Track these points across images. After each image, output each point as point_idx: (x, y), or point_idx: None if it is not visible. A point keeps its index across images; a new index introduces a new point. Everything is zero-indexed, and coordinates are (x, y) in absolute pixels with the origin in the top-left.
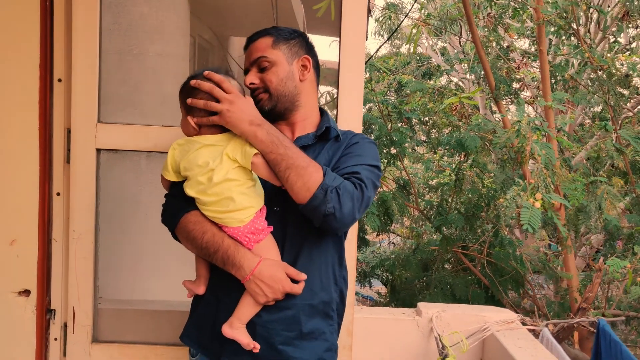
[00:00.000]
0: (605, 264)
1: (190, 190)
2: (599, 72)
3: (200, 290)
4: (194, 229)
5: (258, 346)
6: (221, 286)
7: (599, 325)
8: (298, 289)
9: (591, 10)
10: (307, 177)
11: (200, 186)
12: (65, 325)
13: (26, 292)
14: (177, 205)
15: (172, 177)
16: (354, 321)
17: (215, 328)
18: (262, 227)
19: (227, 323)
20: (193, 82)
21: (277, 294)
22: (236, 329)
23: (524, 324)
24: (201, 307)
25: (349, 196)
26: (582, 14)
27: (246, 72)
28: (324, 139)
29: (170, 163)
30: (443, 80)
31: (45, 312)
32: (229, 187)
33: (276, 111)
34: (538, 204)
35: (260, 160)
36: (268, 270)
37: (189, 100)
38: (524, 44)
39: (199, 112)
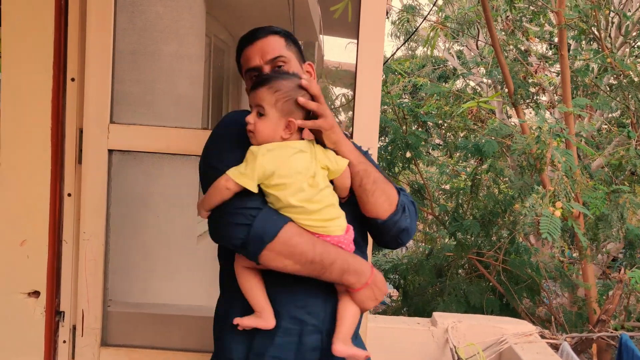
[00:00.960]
0: (626, 275)
1: (292, 199)
2: (620, 78)
3: (273, 323)
4: (300, 241)
5: (369, 354)
6: (302, 309)
7: (621, 340)
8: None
9: (611, 14)
10: (389, 191)
11: (302, 194)
12: (74, 327)
13: (36, 294)
14: (267, 218)
15: (253, 186)
16: (368, 330)
17: (300, 355)
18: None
19: (339, 341)
20: (304, 82)
21: (382, 297)
22: (349, 344)
23: (542, 337)
24: (279, 337)
25: (415, 212)
26: (602, 18)
27: (253, 70)
28: None
29: (260, 170)
30: (459, 83)
31: (54, 314)
32: (328, 193)
33: None
34: (558, 213)
35: (348, 169)
36: (380, 275)
37: (301, 100)
38: (541, 48)
39: (299, 114)
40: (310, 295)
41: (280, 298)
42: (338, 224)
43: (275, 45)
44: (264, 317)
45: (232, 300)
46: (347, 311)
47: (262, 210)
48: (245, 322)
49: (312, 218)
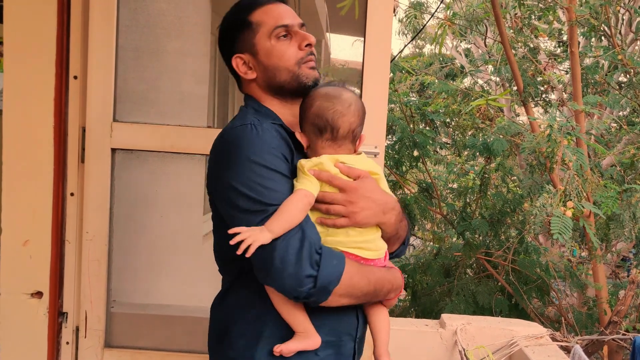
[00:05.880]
0: (638, 276)
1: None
2: (630, 75)
3: (319, 340)
4: (359, 280)
5: None
6: (337, 320)
7: (634, 344)
8: None
9: (621, 11)
10: (403, 234)
11: None
12: (77, 329)
13: (39, 294)
14: (328, 262)
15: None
16: None
17: None
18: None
19: (383, 355)
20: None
21: None
22: (388, 354)
23: (554, 339)
24: (321, 351)
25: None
26: (611, 14)
27: (285, 27)
28: None
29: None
30: (467, 81)
31: (57, 315)
32: None
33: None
34: (569, 213)
35: None
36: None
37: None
38: (549, 45)
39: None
40: (341, 309)
41: (314, 311)
42: (381, 246)
43: (294, 13)
44: (310, 337)
45: (255, 332)
46: (382, 322)
47: (322, 254)
48: (291, 347)
49: (358, 240)
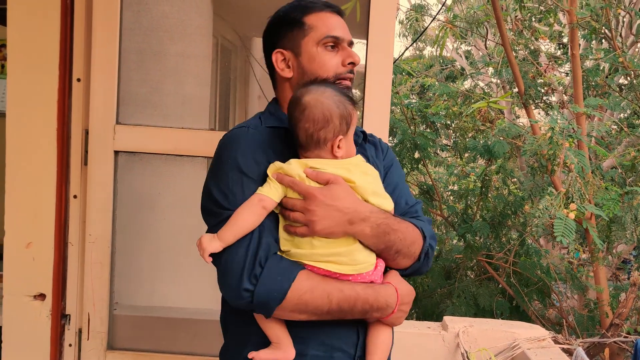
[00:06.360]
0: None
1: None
2: (631, 77)
3: (292, 354)
4: (313, 297)
5: None
6: (333, 335)
7: (636, 346)
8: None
9: (622, 13)
10: (414, 251)
11: None
12: (80, 331)
13: (41, 296)
14: (270, 280)
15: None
16: None
17: None
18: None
19: None
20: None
21: (409, 306)
22: None
23: (556, 341)
24: None
25: (434, 240)
26: (612, 17)
27: (336, 38)
28: (360, 145)
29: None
30: (467, 83)
31: (60, 317)
32: None
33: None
34: (572, 215)
35: None
36: (403, 286)
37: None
38: (549, 47)
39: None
40: (340, 323)
41: (307, 324)
42: (362, 260)
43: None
44: (282, 348)
45: (242, 337)
46: (377, 342)
47: (266, 268)
48: (262, 355)
49: (325, 253)
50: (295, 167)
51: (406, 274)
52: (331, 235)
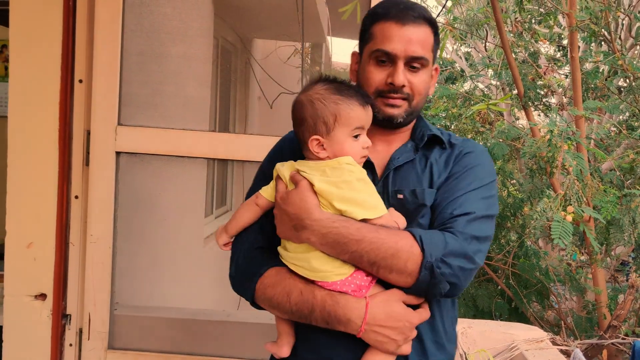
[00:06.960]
0: (638, 280)
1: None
2: (630, 80)
3: (284, 352)
4: (274, 293)
5: None
6: (327, 344)
7: (634, 348)
8: (425, 314)
9: (621, 16)
10: (402, 263)
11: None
12: (80, 331)
13: (42, 296)
14: (243, 277)
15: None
16: None
17: None
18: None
19: None
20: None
21: (407, 332)
22: None
23: (554, 343)
24: None
25: (461, 258)
26: (611, 20)
27: (386, 53)
28: (425, 148)
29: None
30: (467, 85)
31: (61, 317)
32: None
33: (401, 124)
34: (570, 217)
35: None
36: (382, 309)
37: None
38: (549, 50)
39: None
40: (339, 335)
41: (314, 337)
42: (321, 269)
43: (424, 42)
44: (278, 344)
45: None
46: (371, 356)
47: (243, 261)
48: (267, 346)
49: (291, 256)
50: (285, 168)
51: (416, 294)
52: (288, 239)
